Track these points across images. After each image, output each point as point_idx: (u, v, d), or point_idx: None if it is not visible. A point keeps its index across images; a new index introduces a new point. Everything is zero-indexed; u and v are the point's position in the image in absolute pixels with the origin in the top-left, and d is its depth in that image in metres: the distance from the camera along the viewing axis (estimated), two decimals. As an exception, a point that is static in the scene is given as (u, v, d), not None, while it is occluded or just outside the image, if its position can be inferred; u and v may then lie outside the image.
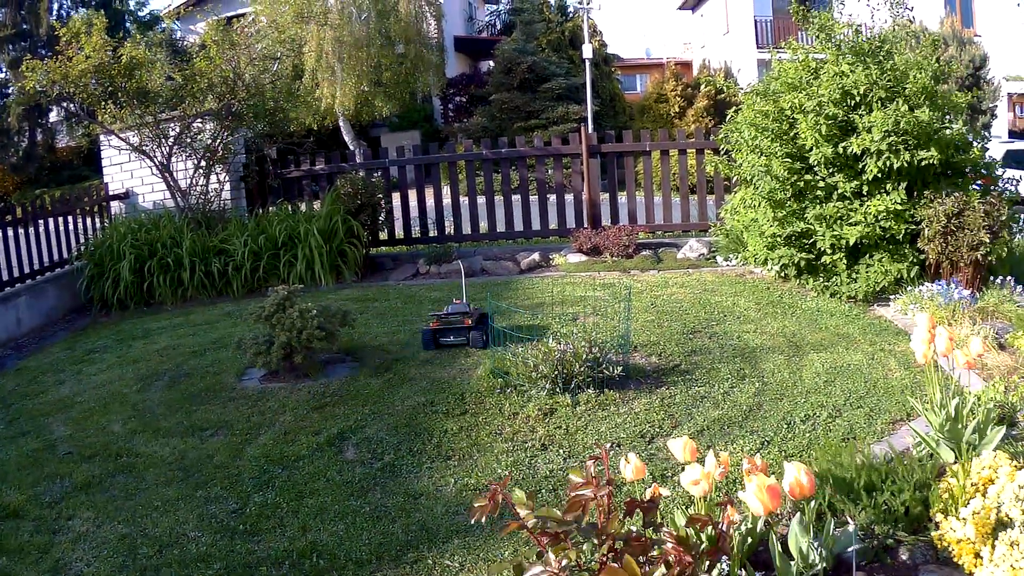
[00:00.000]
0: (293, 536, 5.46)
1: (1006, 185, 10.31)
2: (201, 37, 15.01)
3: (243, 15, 21.48)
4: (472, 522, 4.13)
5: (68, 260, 13.17)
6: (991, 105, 32.09)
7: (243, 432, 7.13)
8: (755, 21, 38.63)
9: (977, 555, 4.09)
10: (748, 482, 3.63)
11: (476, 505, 3.35)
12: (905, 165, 9.13)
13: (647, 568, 3.16)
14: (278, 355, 8.03)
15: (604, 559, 3.28)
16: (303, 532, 5.50)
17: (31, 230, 12.44)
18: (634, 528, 3.76)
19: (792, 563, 4.03)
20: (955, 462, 4.88)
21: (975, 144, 9.98)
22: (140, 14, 40.05)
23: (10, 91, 35.84)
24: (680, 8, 51.96)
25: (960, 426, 5.11)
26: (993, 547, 4.07)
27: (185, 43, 32.83)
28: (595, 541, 3.32)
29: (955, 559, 4.19)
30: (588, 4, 32.80)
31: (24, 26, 34.57)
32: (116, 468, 6.73)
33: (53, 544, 5.68)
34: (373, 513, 5.66)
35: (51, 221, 13.04)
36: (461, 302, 8.98)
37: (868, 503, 4.54)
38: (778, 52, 11.24)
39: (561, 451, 6.24)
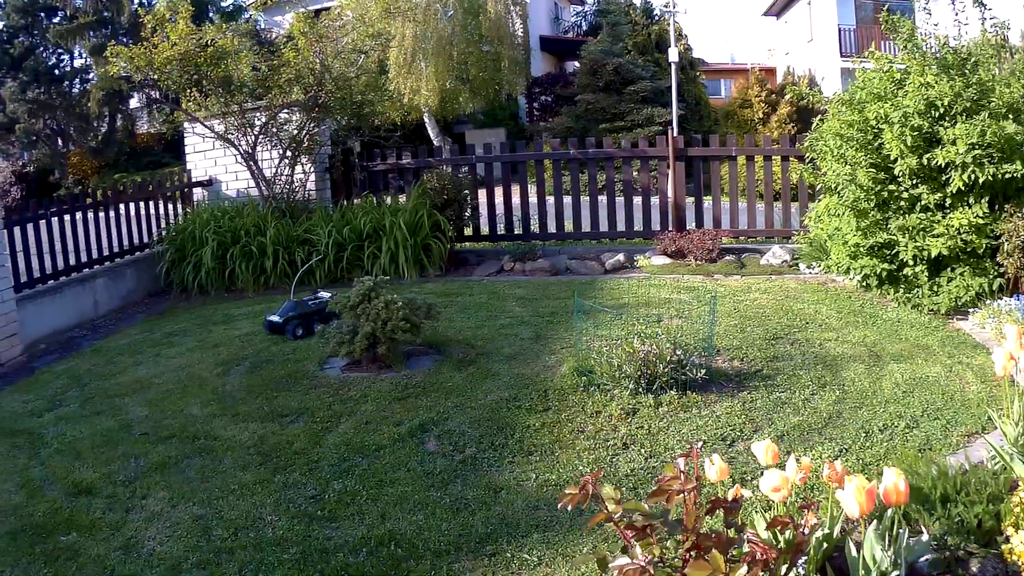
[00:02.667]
0: (371, 524, 5.51)
1: None
2: (288, 28, 15.19)
3: (329, 8, 21.64)
4: (558, 508, 4.16)
5: (148, 244, 13.49)
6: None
7: (324, 420, 7.23)
8: (839, 29, 38.12)
9: None
10: (848, 483, 3.66)
11: (566, 492, 3.37)
12: (989, 178, 9.07)
13: (730, 567, 3.18)
14: (361, 345, 8.13)
15: (687, 555, 3.30)
16: (382, 520, 5.54)
17: (111, 214, 12.69)
18: (715, 527, 3.86)
19: (868, 570, 4.06)
20: (1029, 476, 4.90)
21: None
22: (223, 4, 40.36)
23: (91, 77, 36.40)
24: (764, 14, 51.41)
25: (1034, 440, 5.15)
26: (1060, 562, 4.12)
27: (270, 34, 33.14)
28: (679, 537, 3.34)
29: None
30: (674, 8, 32.64)
31: (105, 13, 35.02)
32: (193, 450, 6.85)
33: (126, 522, 5.76)
34: (453, 505, 5.70)
35: (131, 205, 13.29)
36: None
37: (942, 514, 4.54)
38: (862, 61, 11.23)
39: (642, 451, 6.27)
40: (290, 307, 9.80)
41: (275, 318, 9.77)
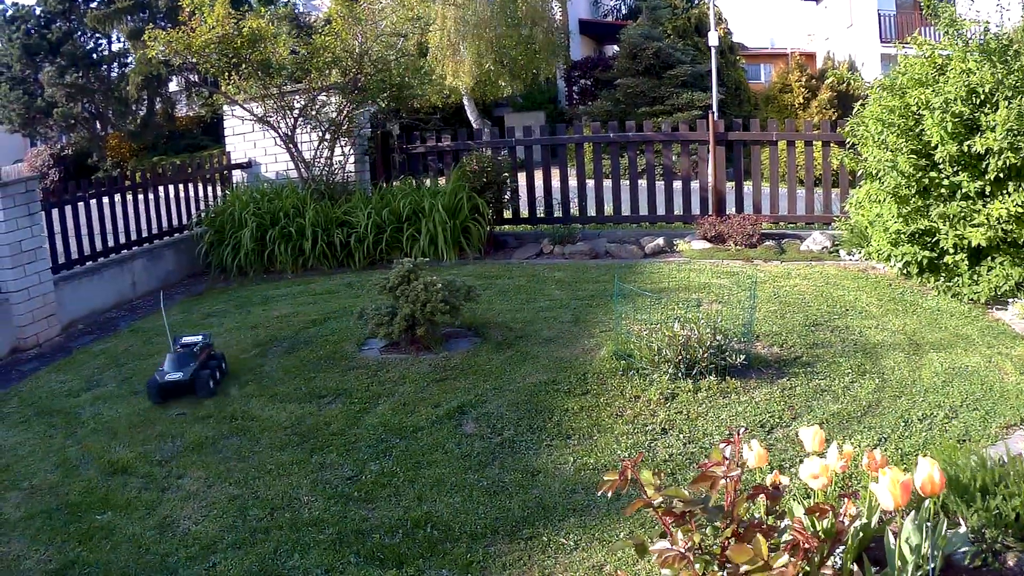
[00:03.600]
0: (408, 506, 5.57)
1: None
2: (327, 11, 15.27)
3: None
4: (597, 495, 4.18)
5: (187, 226, 13.61)
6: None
7: (361, 401, 7.29)
8: (879, 15, 37.89)
9: None
10: (882, 475, 3.68)
11: (606, 478, 3.39)
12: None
13: (770, 555, 3.20)
14: (400, 326, 8.18)
15: (727, 542, 3.32)
16: (419, 502, 5.61)
17: (150, 196, 12.85)
18: (756, 514, 3.89)
19: (906, 561, 4.04)
20: (1066, 469, 4.89)
21: None
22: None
23: (129, 61, 36.64)
24: (804, -1, 51.27)
25: (1074, 433, 5.13)
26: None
27: (308, 18, 33.23)
28: (718, 524, 3.37)
29: None
30: (714, -8, 32.58)
31: (143, -2, 35.29)
32: (230, 430, 6.95)
33: (161, 501, 5.86)
34: (490, 488, 5.76)
35: (170, 188, 13.40)
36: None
37: (980, 506, 4.53)
38: (904, 47, 11.15)
39: (681, 436, 6.31)
40: (184, 358, 7.90)
41: (176, 376, 7.75)
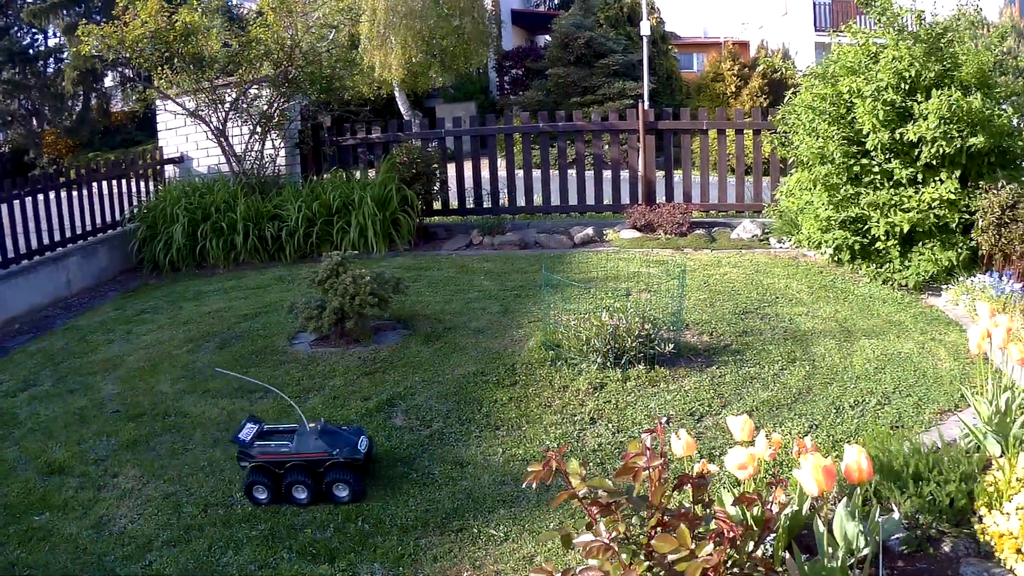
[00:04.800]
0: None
1: None
2: (258, 4, 15.07)
3: (302, -18, 21.52)
4: (523, 487, 4.18)
5: (121, 222, 13.38)
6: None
7: (293, 395, 7.11)
8: (814, 3, 38.38)
9: (1019, 551, 4.08)
10: (804, 461, 3.61)
11: (530, 470, 3.41)
12: (955, 152, 9.10)
13: (696, 543, 3.16)
14: (330, 320, 8.11)
15: (653, 531, 3.30)
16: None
17: (84, 192, 12.61)
18: (685, 504, 3.80)
19: (837, 547, 4.01)
20: (1002, 455, 4.87)
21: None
22: (198, -21, 40.02)
23: (65, 56, 36.21)
24: (738, -12, 51.62)
25: (1009, 420, 5.09)
26: (1037, 543, 4.08)
27: (241, 10, 32.95)
28: (644, 514, 3.36)
29: (996, 553, 4.19)
30: (647, -20, 32.66)
31: (79, -8, 34.80)
32: (164, 427, 6.87)
33: (98, 500, 5.81)
34: (420, 479, 5.74)
35: (104, 184, 13.19)
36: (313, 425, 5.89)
37: (914, 492, 4.54)
38: (838, 35, 11.19)
39: (610, 425, 6.29)
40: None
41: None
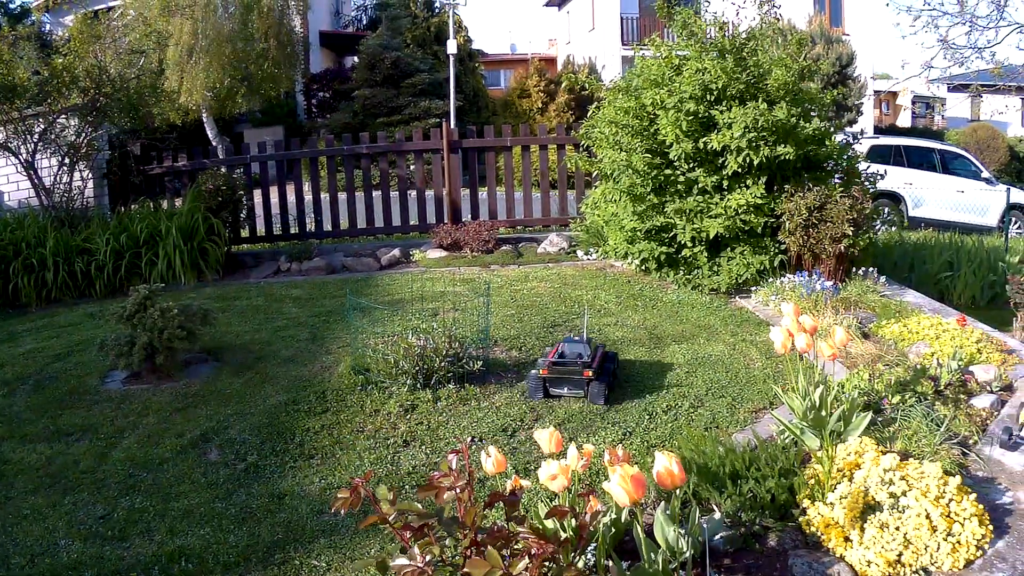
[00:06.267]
0: (161, 540, 5.36)
1: (869, 178, 10.61)
2: (67, 30, 14.64)
3: (113, 8, 21.02)
4: (333, 513, 4.06)
5: (-75, 261, 12.64)
6: (857, 102, 33.05)
7: (107, 436, 6.96)
8: (621, 18, 39.37)
9: (847, 539, 4.20)
10: (612, 472, 3.59)
11: (339, 497, 3.34)
12: (765, 160, 9.28)
13: (510, 560, 3.15)
14: (140, 356, 7.86)
15: (467, 552, 3.27)
16: (171, 536, 5.40)
17: None
18: (498, 521, 3.71)
19: (658, 551, 4.01)
20: (820, 449, 4.93)
21: (832, 137, 10.14)
22: (11, 6, 38.54)
23: None
24: (546, 5, 52.56)
25: (824, 413, 5.16)
26: (862, 530, 4.19)
27: (54, 36, 32.05)
28: (459, 535, 3.31)
29: (824, 543, 4.30)
30: (454, 0, 32.84)
31: None
32: None
33: None
34: (239, 515, 5.59)
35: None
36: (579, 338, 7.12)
37: (733, 491, 4.59)
38: (642, 49, 11.35)
39: (424, 447, 6.22)
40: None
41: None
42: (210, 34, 24.87)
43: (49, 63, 13.56)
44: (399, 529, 3.35)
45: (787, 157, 9.32)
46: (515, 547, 3.35)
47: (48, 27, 34.92)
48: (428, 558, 3.27)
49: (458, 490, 3.33)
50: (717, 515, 4.43)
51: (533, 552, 3.20)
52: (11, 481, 6.37)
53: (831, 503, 4.29)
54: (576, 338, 6.99)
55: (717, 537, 4.32)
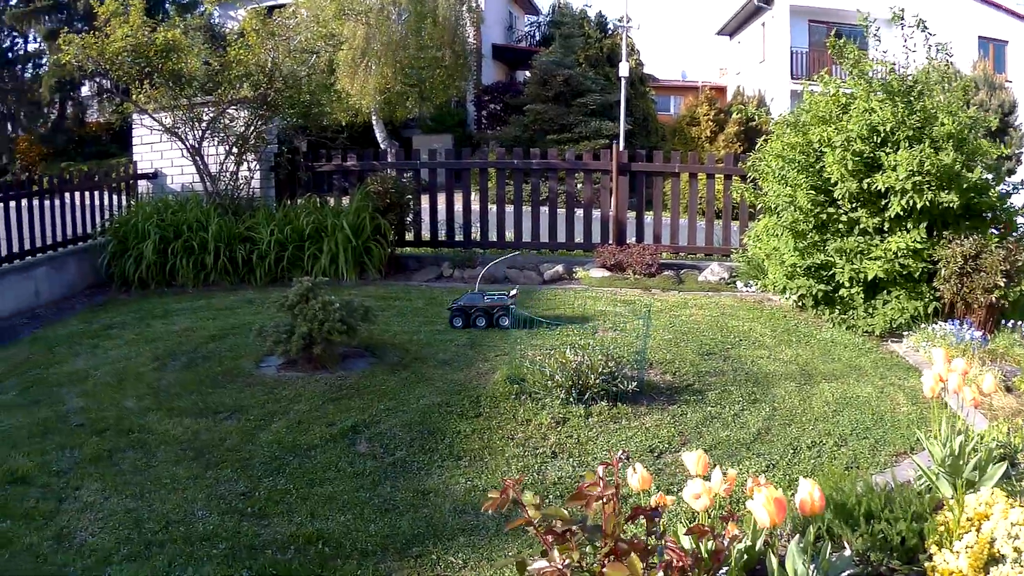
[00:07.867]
0: (301, 522, 5.49)
1: None
2: (240, 24, 15.10)
3: (283, 6, 21.51)
4: (482, 511, 4.18)
5: (92, 235, 13.26)
6: (1017, 151, 32.07)
7: (257, 418, 7.16)
8: (791, 52, 38.70)
9: None
10: (757, 493, 3.66)
11: (489, 496, 3.40)
12: (927, 205, 9.19)
13: (648, 572, 3.21)
14: (297, 345, 8.06)
15: (606, 560, 3.31)
16: (311, 519, 5.53)
17: (56, 202, 12.50)
18: (638, 535, 3.86)
19: None
20: (953, 497, 4.94)
21: (993, 187, 9.96)
22: (181, -5, 39.83)
23: (44, 62, 35.98)
24: (718, 33, 51.92)
25: (961, 462, 5.14)
26: (985, 582, 4.14)
27: (224, 29, 32.85)
28: (597, 543, 3.37)
29: None
30: (628, 23, 32.87)
31: (62, -1, 34.72)
32: (127, 443, 6.77)
33: (59, 511, 5.71)
34: (381, 506, 5.69)
35: (76, 195, 13.10)
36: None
37: (865, 530, 4.56)
38: (810, 84, 11.32)
39: (571, 459, 6.27)
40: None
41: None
42: (383, 39, 25.36)
43: (221, 55, 13.94)
44: (543, 533, 3.38)
45: (950, 205, 9.18)
46: (651, 561, 3.39)
47: (218, 19, 35.81)
48: (567, 562, 3.31)
49: (604, 500, 3.36)
50: (848, 552, 4.43)
51: (672, 563, 3.27)
52: (153, 451, 6.61)
53: (957, 552, 4.23)
54: None
55: (845, 574, 4.30)
